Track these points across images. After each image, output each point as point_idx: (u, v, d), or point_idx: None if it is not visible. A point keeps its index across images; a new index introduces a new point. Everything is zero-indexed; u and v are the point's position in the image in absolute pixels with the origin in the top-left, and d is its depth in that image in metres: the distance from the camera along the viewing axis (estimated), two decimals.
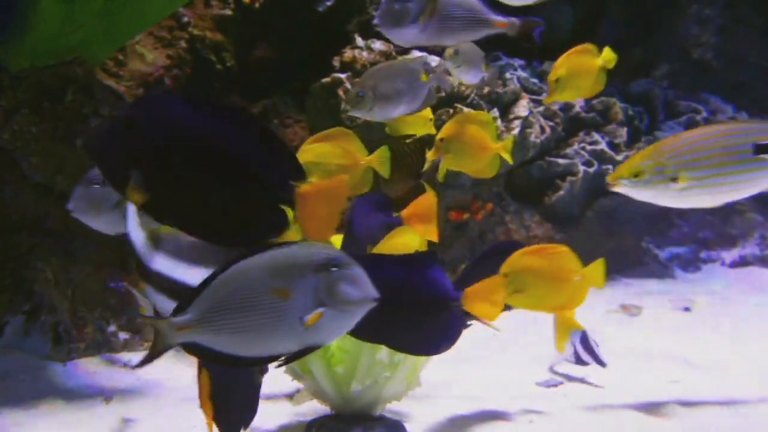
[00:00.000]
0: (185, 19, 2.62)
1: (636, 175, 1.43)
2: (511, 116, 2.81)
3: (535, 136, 2.84)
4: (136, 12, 2.05)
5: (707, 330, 2.45)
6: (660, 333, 2.36)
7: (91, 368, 1.93)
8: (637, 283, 3.09)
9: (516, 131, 2.76)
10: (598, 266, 1.46)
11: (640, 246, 3.27)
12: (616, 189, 1.47)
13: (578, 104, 3.12)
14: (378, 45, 2.72)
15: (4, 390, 1.76)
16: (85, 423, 1.62)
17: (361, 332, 1.15)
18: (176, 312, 1.07)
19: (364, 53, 2.69)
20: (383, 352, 1.50)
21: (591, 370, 1.89)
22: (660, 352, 2.15)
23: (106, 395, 1.77)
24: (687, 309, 2.72)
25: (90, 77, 2.09)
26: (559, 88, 1.64)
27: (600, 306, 2.56)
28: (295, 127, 2.72)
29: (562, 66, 1.65)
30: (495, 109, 2.72)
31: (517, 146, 2.78)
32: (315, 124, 2.70)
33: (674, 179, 1.44)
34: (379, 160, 1.54)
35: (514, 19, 1.50)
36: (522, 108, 2.82)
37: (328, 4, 2.74)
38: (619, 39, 3.72)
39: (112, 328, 2.04)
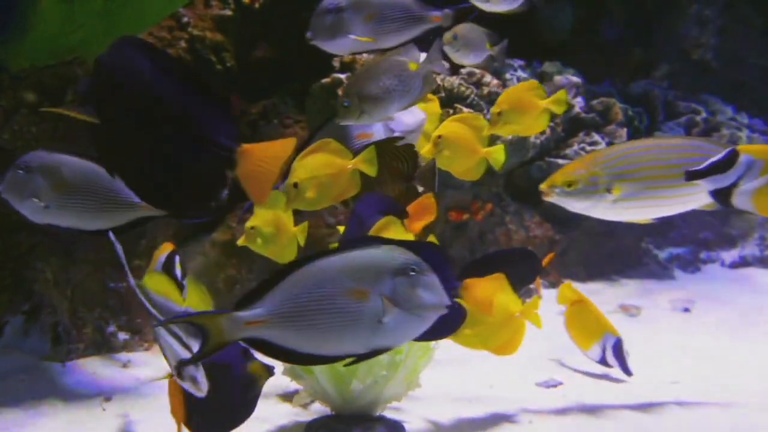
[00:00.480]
0: (185, 19, 2.62)
1: (570, 185, 1.40)
2: None
3: (534, 137, 2.84)
4: (136, 12, 2.04)
5: (707, 330, 2.45)
6: (659, 333, 2.36)
7: (90, 368, 1.93)
8: (636, 283, 3.10)
9: None
10: (533, 304, 1.45)
11: (639, 246, 3.27)
12: (549, 199, 1.43)
13: (578, 105, 3.12)
14: None
15: (3, 390, 1.76)
16: (85, 423, 1.62)
17: None
18: (241, 306, 1.07)
19: (364, 53, 2.69)
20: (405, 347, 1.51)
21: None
22: (659, 352, 2.15)
23: (106, 395, 1.77)
24: (686, 310, 2.72)
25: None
26: (501, 121, 1.63)
27: (599, 307, 2.55)
28: (295, 127, 2.72)
29: (505, 101, 1.64)
30: None
31: (515, 147, 2.79)
32: (315, 125, 2.70)
33: (608, 190, 1.41)
34: (365, 160, 1.54)
35: (447, 11, 1.50)
36: None
37: None
38: (619, 39, 3.72)
39: (111, 328, 2.04)
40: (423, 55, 2.70)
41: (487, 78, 2.80)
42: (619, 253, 3.15)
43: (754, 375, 1.97)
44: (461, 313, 1.31)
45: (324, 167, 1.51)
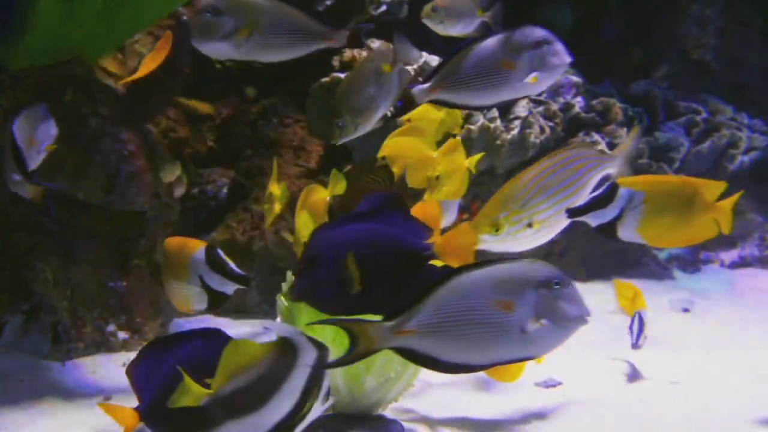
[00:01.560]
0: (185, 18, 2.62)
1: (497, 230, 1.40)
2: (511, 116, 2.81)
3: (534, 137, 2.84)
4: (135, 11, 2.04)
5: (707, 331, 2.46)
6: (659, 334, 2.36)
7: (90, 368, 1.93)
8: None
9: (515, 131, 2.76)
10: None
11: (639, 246, 3.26)
12: (480, 247, 1.41)
13: (578, 105, 3.12)
14: (377, 45, 2.72)
15: (3, 390, 1.76)
16: (85, 422, 1.62)
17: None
18: (392, 317, 1.13)
19: (364, 53, 2.69)
20: None
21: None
22: (659, 353, 2.15)
23: (106, 394, 1.77)
24: (686, 310, 2.72)
25: (90, 77, 2.09)
26: (439, 185, 1.64)
27: (599, 307, 2.55)
28: (294, 126, 2.72)
29: (441, 164, 1.64)
30: (494, 110, 2.72)
31: (515, 147, 2.79)
32: (314, 124, 2.70)
33: (530, 225, 1.42)
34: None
35: (342, 31, 1.49)
36: (521, 108, 2.82)
37: (328, 3, 2.74)
38: (619, 39, 3.72)
39: (111, 327, 2.04)
40: (424, 55, 2.71)
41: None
42: (619, 253, 3.14)
43: (755, 375, 1.97)
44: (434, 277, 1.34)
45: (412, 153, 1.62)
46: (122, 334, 2.04)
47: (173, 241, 1.54)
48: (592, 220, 1.39)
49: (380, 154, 1.64)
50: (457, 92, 1.41)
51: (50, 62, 2.02)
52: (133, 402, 1.73)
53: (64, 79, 2.03)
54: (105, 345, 2.02)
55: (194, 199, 2.57)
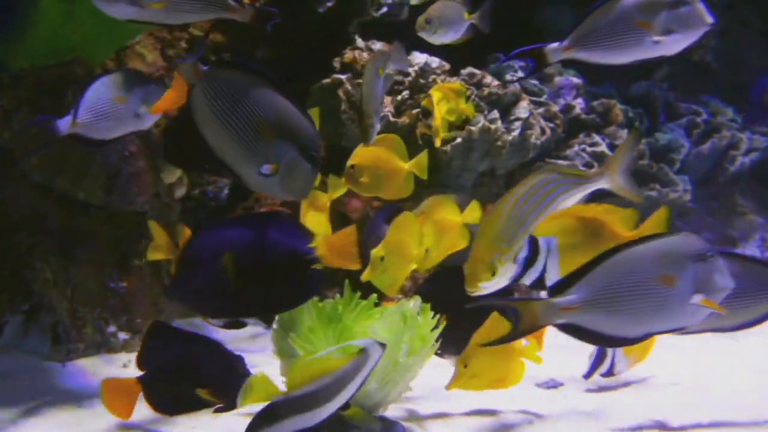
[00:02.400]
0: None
1: (493, 274, 1.36)
2: (512, 118, 2.81)
3: (535, 138, 2.83)
4: None
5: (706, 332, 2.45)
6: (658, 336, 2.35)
7: (90, 368, 1.93)
8: None
9: (516, 133, 2.76)
10: None
11: None
12: (479, 294, 1.38)
13: (579, 106, 3.12)
14: (378, 46, 2.73)
15: (2, 390, 1.76)
16: (85, 423, 1.62)
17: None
18: (555, 293, 1.18)
19: (365, 54, 2.69)
20: (402, 351, 1.51)
21: None
22: (659, 354, 2.14)
23: None
24: None
25: (90, 77, 2.09)
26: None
27: None
28: None
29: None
30: (495, 111, 2.72)
31: (516, 147, 2.79)
32: None
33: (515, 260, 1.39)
34: (418, 165, 1.71)
35: (249, 6, 1.47)
36: (522, 109, 2.82)
37: (329, 5, 2.74)
38: None
39: (111, 328, 2.03)
40: (419, 56, 2.71)
41: (488, 79, 2.80)
42: None
43: (754, 376, 1.97)
44: (317, 279, 1.37)
45: (381, 162, 1.64)
46: (123, 335, 2.04)
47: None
48: (528, 280, 1.40)
49: (350, 162, 1.66)
50: (591, 51, 1.39)
51: (51, 62, 2.02)
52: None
53: (64, 79, 2.03)
54: (105, 346, 2.02)
55: (195, 199, 2.56)
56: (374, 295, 1.53)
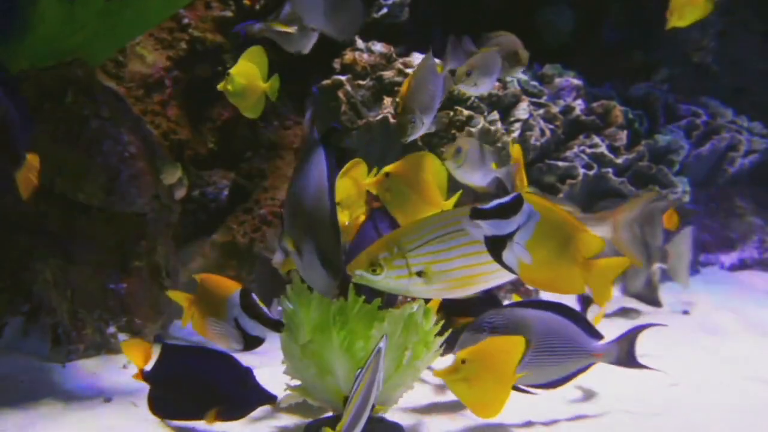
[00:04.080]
0: (185, 20, 2.62)
1: (374, 270, 1.33)
2: (512, 119, 2.81)
3: (535, 139, 2.84)
4: (136, 13, 2.05)
5: (706, 333, 2.45)
6: (658, 336, 2.36)
7: (90, 369, 1.93)
8: None
9: (516, 134, 2.76)
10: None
11: None
12: (358, 281, 1.37)
13: (578, 107, 3.12)
14: (378, 47, 2.73)
15: (2, 391, 1.76)
16: (85, 424, 1.62)
17: None
18: None
19: (365, 55, 2.69)
20: (407, 356, 1.51)
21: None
22: (658, 355, 2.15)
23: (106, 396, 1.77)
24: (686, 312, 2.72)
25: (90, 78, 2.09)
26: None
27: (598, 309, 2.55)
28: (295, 129, 2.72)
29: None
30: (495, 112, 2.73)
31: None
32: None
33: (419, 274, 1.34)
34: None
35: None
36: (522, 111, 2.82)
37: None
38: (619, 42, 3.73)
39: (111, 329, 2.03)
40: (419, 57, 2.71)
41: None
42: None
43: (753, 377, 1.97)
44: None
45: (417, 185, 1.52)
46: (122, 336, 2.04)
47: (210, 280, 1.55)
48: (490, 228, 1.23)
49: (386, 170, 1.56)
50: None
51: (51, 63, 2.02)
52: (132, 406, 1.74)
53: (65, 81, 2.03)
54: (105, 347, 2.02)
55: (195, 201, 2.57)
56: (378, 299, 1.53)
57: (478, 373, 1.40)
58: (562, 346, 1.58)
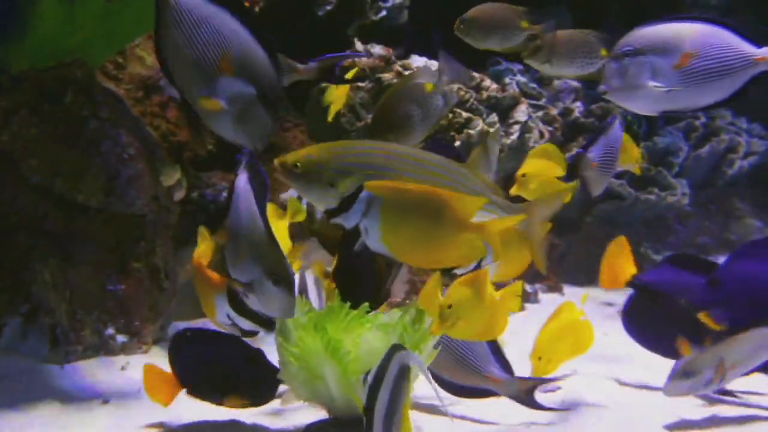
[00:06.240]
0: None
1: (296, 166, 1.29)
2: (511, 121, 2.81)
3: (534, 141, 2.84)
4: (136, 14, 2.05)
5: None
6: None
7: (88, 371, 1.93)
8: None
9: (515, 136, 2.76)
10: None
11: (638, 251, 3.26)
12: (278, 176, 1.33)
13: (577, 109, 3.12)
14: (377, 50, 2.73)
15: (1, 392, 1.76)
16: (83, 425, 1.62)
17: None
18: None
19: (364, 58, 2.69)
20: None
21: None
22: (657, 357, 2.14)
23: (104, 398, 1.77)
24: None
25: (90, 79, 2.09)
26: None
27: (598, 311, 2.56)
28: (294, 130, 2.72)
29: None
30: (494, 114, 2.73)
31: (515, 150, 2.79)
32: (314, 128, 2.70)
33: (332, 185, 1.30)
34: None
35: (311, 66, 1.47)
36: (521, 113, 2.82)
37: (328, 8, 2.74)
38: None
39: (110, 330, 2.03)
40: (418, 59, 2.70)
41: (487, 82, 2.80)
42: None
43: (753, 378, 1.97)
44: None
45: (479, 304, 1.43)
46: (121, 338, 2.04)
47: (200, 277, 1.55)
48: (344, 222, 1.24)
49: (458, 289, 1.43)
50: None
51: (51, 64, 2.02)
52: (132, 404, 1.74)
53: (64, 81, 2.03)
54: (104, 348, 2.02)
55: (194, 202, 2.56)
56: (365, 304, 1.52)
57: (466, 309, 1.39)
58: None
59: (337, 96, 1.77)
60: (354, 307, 1.54)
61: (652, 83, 1.29)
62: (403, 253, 1.27)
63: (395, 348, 1.15)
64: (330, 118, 1.78)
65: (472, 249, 1.26)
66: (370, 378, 1.15)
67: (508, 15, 1.71)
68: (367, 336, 1.50)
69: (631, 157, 1.89)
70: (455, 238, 1.25)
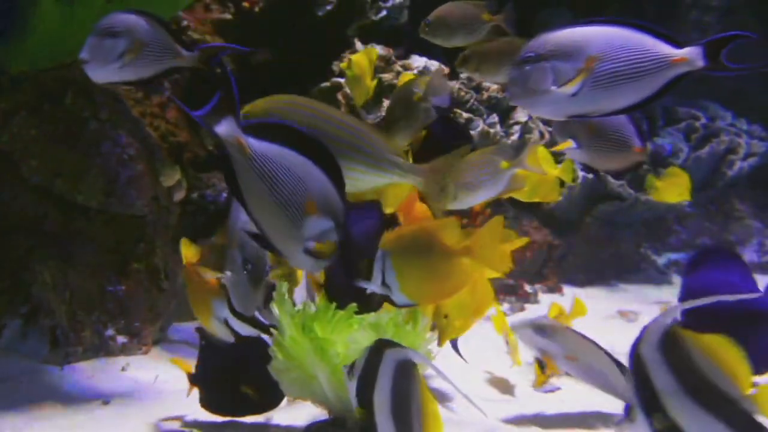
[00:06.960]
0: (185, 23, 2.62)
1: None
2: (511, 122, 2.81)
3: (533, 141, 2.84)
4: None
5: None
6: None
7: (88, 372, 1.93)
8: (634, 288, 3.10)
9: (515, 136, 2.76)
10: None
11: (638, 252, 3.27)
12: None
13: None
14: (377, 49, 2.73)
15: (1, 393, 1.76)
16: (83, 426, 1.62)
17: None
18: None
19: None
20: None
21: None
22: None
23: (104, 398, 1.77)
24: None
25: (90, 80, 2.09)
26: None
27: (598, 312, 2.56)
28: None
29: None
30: (494, 115, 2.73)
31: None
32: None
33: None
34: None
35: (194, 53, 1.54)
36: (521, 113, 2.83)
37: (328, 8, 2.74)
38: None
39: (109, 331, 2.03)
40: (418, 59, 2.70)
41: (487, 83, 2.80)
42: (618, 258, 3.15)
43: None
44: None
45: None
46: (121, 339, 2.04)
47: (193, 280, 1.54)
48: (371, 286, 1.29)
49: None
50: None
51: (51, 65, 2.02)
52: (132, 406, 1.74)
53: (64, 82, 2.03)
54: (104, 349, 2.02)
55: (193, 203, 2.56)
56: (353, 305, 1.52)
57: (457, 314, 1.47)
58: None
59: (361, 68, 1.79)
60: (340, 307, 1.54)
61: (555, 88, 1.29)
62: (419, 297, 1.30)
63: (382, 344, 1.13)
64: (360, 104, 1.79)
65: (463, 272, 1.29)
66: (355, 372, 1.14)
67: (469, 10, 1.74)
68: (356, 336, 1.49)
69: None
70: (450, 264, 1.28)
